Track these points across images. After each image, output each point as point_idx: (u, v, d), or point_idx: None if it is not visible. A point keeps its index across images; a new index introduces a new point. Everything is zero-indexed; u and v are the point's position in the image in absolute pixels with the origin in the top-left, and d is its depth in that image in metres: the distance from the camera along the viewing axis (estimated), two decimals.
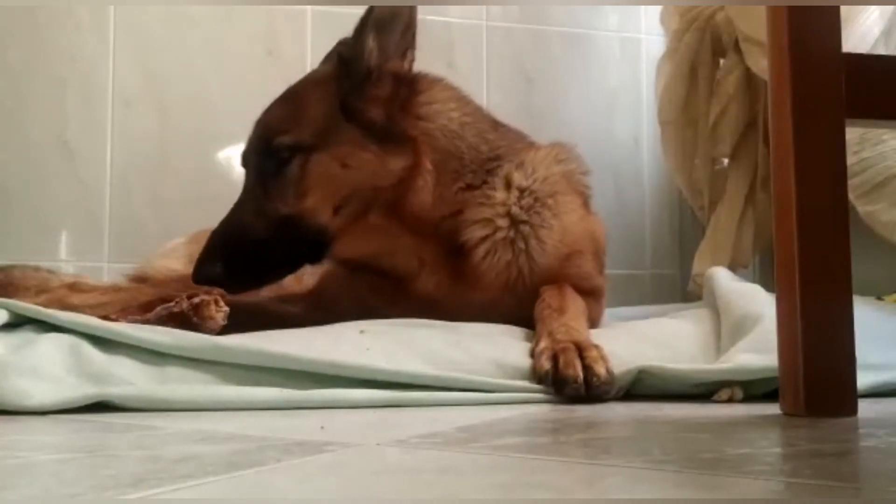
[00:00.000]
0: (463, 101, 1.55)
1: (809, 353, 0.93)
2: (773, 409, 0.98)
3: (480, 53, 2.38)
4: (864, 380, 1.00)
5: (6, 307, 1.21)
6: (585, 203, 1.58)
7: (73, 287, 1.68)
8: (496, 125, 1.57)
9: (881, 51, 1.85)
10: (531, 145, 1.59)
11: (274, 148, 1.41)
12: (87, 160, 2.15)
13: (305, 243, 1.40)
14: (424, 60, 2.32)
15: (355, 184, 1.40)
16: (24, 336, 1.16)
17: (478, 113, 1.56)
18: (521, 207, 1.47)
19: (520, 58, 2.42)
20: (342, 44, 1.54)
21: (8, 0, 2.10)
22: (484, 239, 1.45)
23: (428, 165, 1.43)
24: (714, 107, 2.15)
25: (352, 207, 1.41)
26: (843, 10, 1.02)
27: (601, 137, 2.46)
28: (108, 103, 2.17)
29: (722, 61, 2.17)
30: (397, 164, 1.41)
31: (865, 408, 0.96)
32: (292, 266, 1.43)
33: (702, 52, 2.17)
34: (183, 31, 2.22)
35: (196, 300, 1.29)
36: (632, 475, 0.63)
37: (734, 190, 2.14)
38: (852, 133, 1.70)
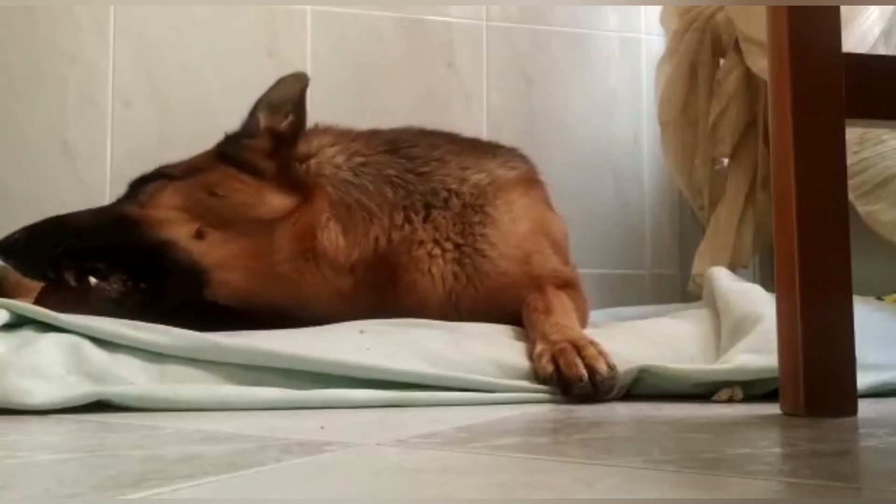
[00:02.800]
0: (345, 140, 1.51)
1: (809, 353, 0.93)
2: (773, 409, 0.98)
3: (480, 53, 2.38)
4: (864, 380, 1.00)
5: (6, 307, 1.21)
6: (527, 191, 1.55)
7: None
8: (396, 150, 1.50)
9: (881, 51, 1.85)
10: (448, 155, 1.53)
11: (145, 176, 1.45)
12: (87, 160, 2.15)
13: (148, 253, 1.36)
14: (424, 60, 2.34)
15: (227, 213, 1.38)
16: (24, 335, 1.16)
17: (370, 148, 1.50)
18: (455, 233, 1.45)
19: (520, 58, 2.42)
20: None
21: (8, 0, 2.10)
22: (416, 265, 1.43)
23: (325, 208, 1.40)
24: (714, 107, 2.14)
25: (229, 240, 1.37)
26: (843, 10, 1.02)
27: (601, 137, 2.45)
28: (108, 103, 2.17)
29: (722, 61, 2.17)
30: (281, 200, 1.39)
31: (865, 408, 0.96)
32: (133, 275, 1.35)
33: (702, 52, 2.17)
34: (183, 31, 2.22)
35: None
36: (632, 475, 0.63)
37: (734, 190, 2.14)
38: (852, 133, 1.70)
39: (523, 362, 1.20)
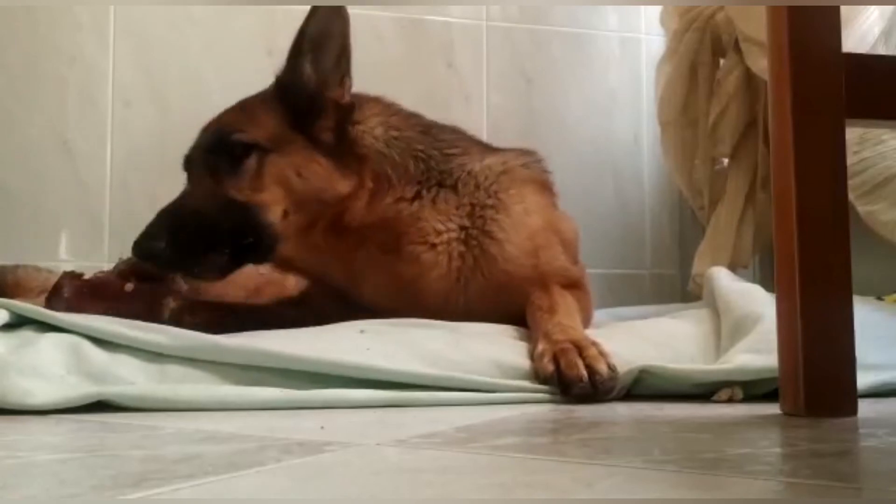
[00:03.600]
0: (389, 113, 1.55)
1: (809, 353, 0.93)
2: (773, 409, 0.98)
3: (480, 53, 2.38)
4: (864, 380, 1.00)
5: (6, 307, 1.21)
6: (541, 193, 1.57)
7: None
8: (428, 131, 1.56)
9: (881, 51, 1.85)
10: (478, 149, 1.58)
11: (231, 143, 1.44)
12: (87, 160, 2.15)
13: (253, 235, 1.41)
14: (424, 60, 2.34)
15: (306, 194, 1.43)
16: (24, 335, 1.16)
17: (407, 125, 1.55)
18: (465, 215, 1.48)
19: (520, 58, 2.42)
20: None
21: (8, 0, 2.10)
22: (423, 239, 1.46)
23: (369, 185, 1.46)
24: (714, 107, 2.14)
25: (300, 216, 1.43)
26: (843, 10, 1.02)
27: (601, 137, 2.45)
28: (108, 103, 2.17)
29: (722, 61, 2.17)
30: (344, 187, 1.44)
31: (865, 408, 0.96)
32: (235, 255, 1.42)
33: (702, 52, 2.17)
34: (183, 31, 2.22)
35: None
36: (632, 475, 0.63)
37: (734, 190, 2.14)
38: (852, 133, 1.70)
39: (523, 362, 1.20)
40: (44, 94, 2.14)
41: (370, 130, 1.50)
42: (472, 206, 1.49)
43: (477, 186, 1.51)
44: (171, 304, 1.38)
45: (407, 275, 1.45)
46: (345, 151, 1.46)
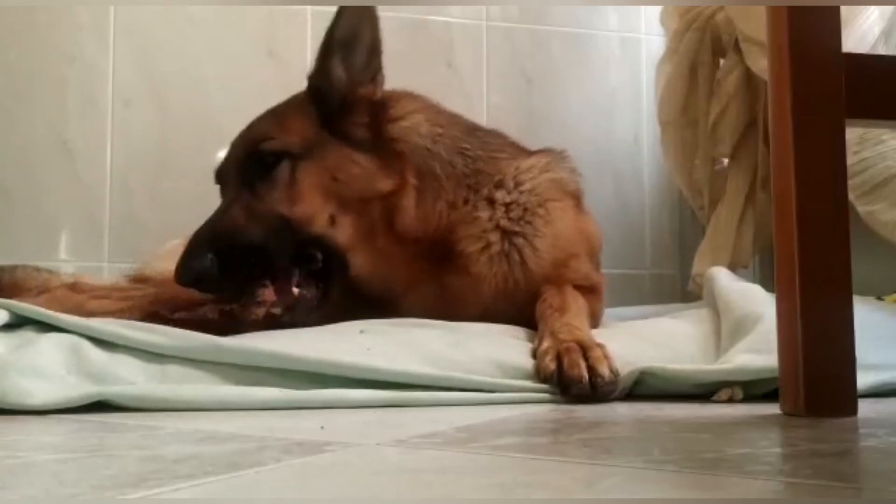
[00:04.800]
0: (432, 111, 1.53)
1: (809, 353, 0.93)
2: (773, 409, 0.98)
3: (480, 53, 2.38)
4: (864, 380, 1.00)
5: (6, 307, 1.21)
6: (578, 205, 1.57)
7: (74, 287, 1.68)
8: (472, 131, 1.54)
9: (881, 51, 1.85)
10: (517, 152, 1.57)
11: (261, 152, 1.41)
12: (87, 160, 2.15)
13: (301, 249, 1.38)
14: (424, 60, 2.33)
15: (344, 196, 1.40)
16: (24, 336, 1.16)
17: (450, 123, 1.53)
18: (511, 219, 1.46)
19: (520, 58, 2.42)
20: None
21: (8, 0, 2.10)
22: (477, 252, 1.44)
23: (413, 184, 1.43)
24: (714, 107, 2.14)
25: (350, 219, 1.40)
26: (843, 10, 1.02)
27: (601, 137, 2.46)
28: (108, 103, 2.17)
29: (722, 61, 2.17)
30: (384, 184, 1.41)
31: (865, 408, 0.96)
32: (323, 285, 1.39)
33: (702, 52, 2.17)
34: (183, 32, 2.22)
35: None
36: (632, 475, 0.63)
37: (734, 190, 2.14)
38: (852, 133, 1.70)
39: (524, 362, 1.20)
40: (44, 94, 2.14)
41: (415, 127, 1.47)
42: (524, 209, 1.47)
43: (531, 190, 1.49)
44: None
45: (455, 287, 1.43)
46: (384, 147, 1.43)
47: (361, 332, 1.25)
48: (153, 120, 2.19)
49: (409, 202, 1.42)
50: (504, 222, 1.46)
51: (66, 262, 2.12)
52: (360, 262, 1.42)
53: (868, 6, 1.80)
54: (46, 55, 2.14)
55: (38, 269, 1.82)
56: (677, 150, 2.22)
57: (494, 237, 1.45)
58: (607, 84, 2.49)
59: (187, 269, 1.33)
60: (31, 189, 2.12)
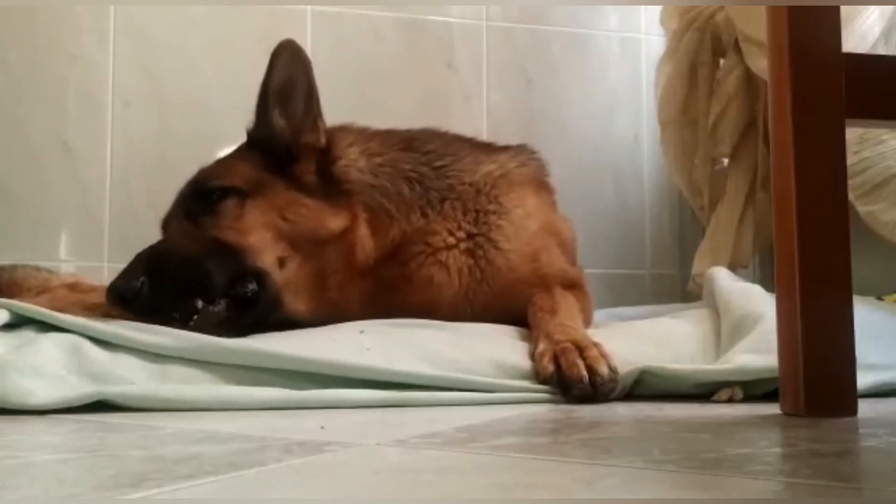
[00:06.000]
0: (363, 139, 1.52)
1: (809, 353, 0.93)
2: (773, 409, 0.98)
3: (480, 53, 2.38)
4: (864, 380, 1.00)
5: (6, 307, 1.21)
6: (539, 193, 1.56)
7: (74, 287, 1.68)
8: (409, 147, 1.52)
9: (881, 51, 1.85)
10: (462, 151, 1.55)
11: (207, 189, 1.40)
12: (87, 160, 2.15)
13: (241, 279, 1.32)
14: (424, 60, 2.34)
15: (297, 236, 1.37)
16: (24, 335, 1.16)
17: (385, 146, 1.51)
18: (468, 222, 1.46)
19: (520, 58, 2.42)
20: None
21: (8, 0, 2.10)
22: (431, 261, 1.43)
23: (363, 216, 1.42)
24: (714, 107, 2.14)
25: (301, 264, 1.37)
26: (844, 10, 1.02)
27: (601, 137, 2.45)
28: (108, 103, 2.17)
29: (722, 61, 2.17)
30: (336, 223, 1.40)
31: (865, 408, 0.96)
32: (237, 309, 1.31)
33: (702, 52, 2.17)
34: (183, 31, 2.22)
35: None
36: (632, 475, 0.63)
37: (734, 190, 2.14)
38: (852, 133, 1.69)
39: (523, 362, 1.20)
40: (44, 94, 2.14)
41: (353, 163, 1.47)
42: (477, 212, 1.47)
43: (478, 192, 1.49)
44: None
45: (418, 300, 1.42)
46: (331, 189, 1.43)
47: (361, 332, 1.25)
48: (153, 120, 2.19)
49: (363, 234, 1.42)
50: (466, 226, 1.46)
51: (66, 262, 2.12)
52: (299, 306, 1.38)
53: (868, 6, 1.80)
54: (46, 55, 2.14)
55: (38, 269, 1.82)
56: (677, 149, 2.22)
57: (452, 240, 1.45)
58: (607, 84, 2.49)
59: (114, 288, 1.28)
60: (31, 189, 2.12)
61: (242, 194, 1.39)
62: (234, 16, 2.24)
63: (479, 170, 1.52)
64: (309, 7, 2.26)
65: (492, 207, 1.48)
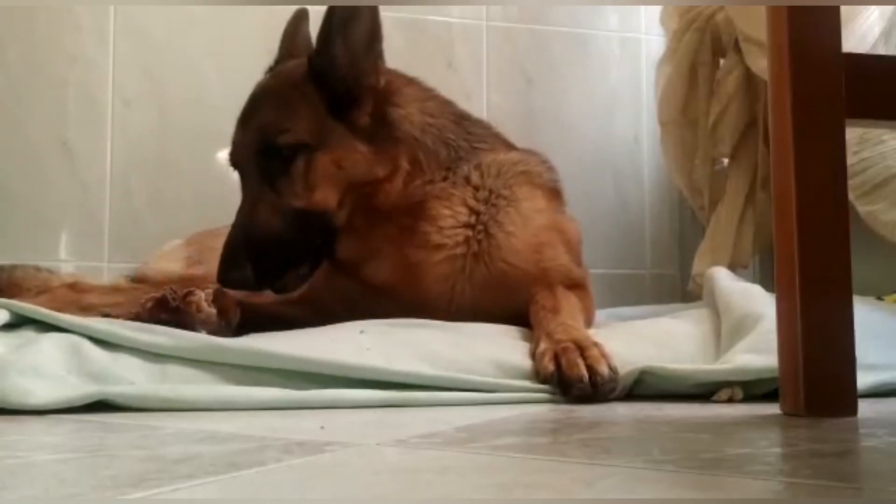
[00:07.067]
0: (426, 98, 1.57)
1: (809, 353, 0.93)
2: (773, 409, 0.98)
3: (480, 53, 2.38)
4: (864, 380, 1.00)
5: (7, 307, 1.21)
6: (551, 198, 1.59)
7: (74, 287, 1.68)
8: (460, 121, 1.58)
9: (881, 51, 1.85)
10: (499, 144, 1.60)
11: (278, 146, 1.43)
12: (87, 160, 2.15)
13: (320, 236, 1.44)
14: (424, 60, 2.33)
15: (348, 183, 1.43)
16: (24, 335, 1.16)
17: (441, 112, 1.57)
18: (477, 200, 1.50)
19: (520, 58, 2.42)
20: (286, 45, 1.64)
21: (8, 0, 2.10)
22: (439, 219, 1.47)
23: (406, 167, 1.47)
24: (714, 107, 2.14)
25: (349, 205, 1.44)
26: (844, 10, 1.02)
27: (601, 137, 2.46)
28: (108, 103, 2.17)
29: (722, 61, 2.17)
30: (382, 171, 1.45)
31: (865, 408, 0.96)
32: (312, 260, 1.44)
33: (702, 52, 2.17)
34: (183, 31, 2.22)
35: (184, 291, 1.30)
36: (632, 475, 0.63)
37: (734, 190, 2.14)
38: (852, 133, 1.70)
39: (523, 362, 1.20)
40: (44, 94, 2.14)
41: (408, 116, 1.51)
42: (490, 192, 1.51)
43: (498, 175, 1.53)
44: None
45: (414, 256, 1.46)
46: (383, 135, 1.46)
47: (361, 332, 1.25)
48: (153, 120, 2.19)
49: (397, 185, 1.46)
50: (471, 201, 1.50)
51: (66, 262, 2.12)
52: (346, 243, 1.47)
53: (868, 6, 1.80)
54: (46, 55, 2.14)
55: (38, 269, 1.82)
56: (677, 149, 2.22)
57: (461, 210, 1.49)
58: (607, 84, 2.49)
59: (228, 276, 1.39)
60: (31, 189, 2.12)
61: (310, 149, 1.43)
62: (234, 16, 2.24)
63: (506, 156, 1.57)
64: (309, 7, 2.26)
65: (505, 192, 1.52)
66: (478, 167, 1.52)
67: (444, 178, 1.50)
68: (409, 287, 1.44)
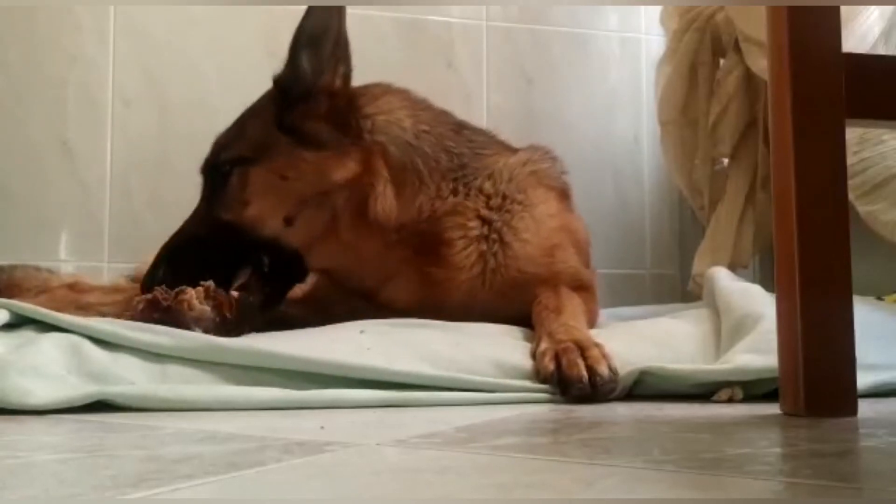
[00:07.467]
0: (417, 107, 1.55)
1: (809, 353, 0.93)
2: (773, 409, 0.98)
3: (480, 53, 2.38)
4: (864, 380, 1.00)
5: (7, 307, 1.21)
6: (562, 199, 1.59)
7: (74, 287, 1.68)
8: (459, 130, 1.56)
9: (881, 51, 1.85)
10: (502, 149, 1.59)
11: (219, 163, 1.47)
12: (87, 160, 2.15)
13: (251, 250, 1.41)
14: (424, 60, 2.33)
15: (300, 194, 1.41)
16: (24, 335, 1.16)
17: (437, 121, 1.54)
18: (491, 208, 1.49)
19: (520, 58, 2.42)
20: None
21: (8, 0, 2.10)
22: (459, 240, 1.46)
23: (384, 173, 1.43)
24: (714, 107, 2.14)
25: (309, 218, 1.42)
26: (844, 10, 1.02)
27: (601, 137, 2.46)
28: (108, 103, 2.17)
29: (722, 61, 2.17)
30: (341, 173, 1.41)
31: (865, 408, 0.96)
32: (274, 283, 1.42)
33: (702, 52, 2.17)
34: (183, 32, 2.22)
35: (175, 290, 1.30)
36: (632, 475, 0.63)
37: (734, 190, 2.14)
38: (852, 133, 1.70)
39: (524, 362, 1.20)
40: (44, 94, 2.14)
41: (396, 122, 1.49)
42: (504, 197, 1.50)
43: (510, 179, 1.52)
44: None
45: (436, 276, 1.45)
46: (341, 140, 1.43)
47: (361, 332, 1.25)
48: (153, 120, 2.19)
49: (380, 191, 1.43)
50: (484, 211, 1.48)
51: (66, 262, 2.12)
52: (322, 257, 1.45)
53: (868, 6, 1.80)
54: (46, 55, 2.14)
55: (37, 269, 1.82)
56: (677, 149, 2.22)
57: (474, 223, 1.47)
58: (607, 84, 2.49)
59: (145, 280, 1.40)
60: (31, 189, 2.12)
61: (247, 162, 1.43)
62: (234, 16, 2.24)
63: (514, 158, 1.56)
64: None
65: (519, 197, 1.51)
66: (490, 176, 1.51)
67: (454, 192, 1.48)
68: (430, 307, 1.41)
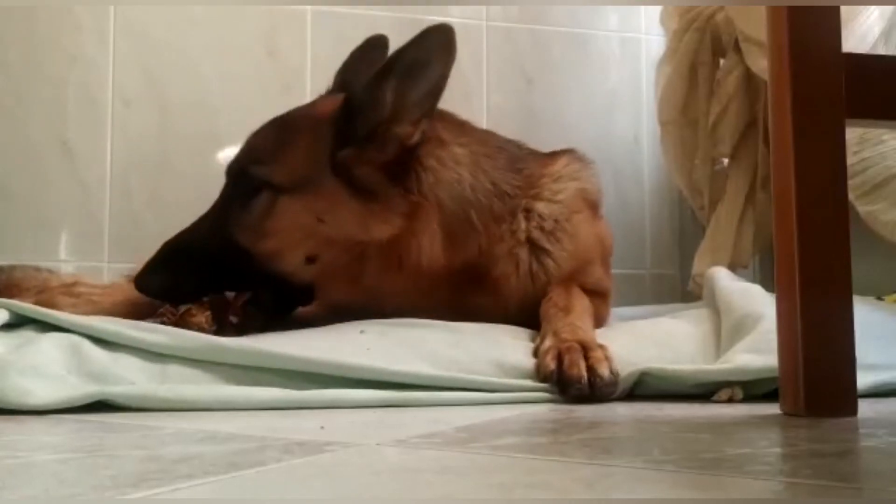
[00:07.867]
0: (478, 152, 1.42)
1: (809, 353, 0.93)
2: (773, 409, 0.98)
3: (480, 53, 2.38)
4: (864, 380, 1.00)
5: (6, 307, 1.21)
6: (596, 212, 1.57)
7: (73, 287, 1.68)
8: (503, 153, 1.46)
9: (881, 51, 1.85)
10: (536, 159, 1.53)
11: (249, 174, 1.34)
12: (87, 160, 2.15)
13: (260, 282, 1.33)
14: None
15: (330, 238, 1.31)
16: (24, 335, 1.16)
17: (492, 154, 1.44)
18: (543, 230, 1.43)
19: (520, 58, 2.42)
20: (344, 73, 1.50)
21: (8, 0, 2.10)
22: (506, 270, 1.41)
23: (433, 226, 1.33)
24: (714, 107, 2.15)
25: (333, 258, 1.33)
26: (844, 10, 1.02)
27: (601, 137, 2.45)
28: (108, 103, 2.17)
29: (722, 61, 2.17)
30: (385, 229, 1.30)
31: (865, 408, 0.96)
32: (277, 301, 1.36)
33: (702, 52, 2.17)
34: (183, 32, 2.22)
35: (182, 309, 1.29)
36: (632, 475, 0.63)
37: (734, 190, 2.14)
38: (852, 133, 1.70)
39: (524, 362, 1.20)
40: (44, 94, 2.14)
41: (458, 178, 1.36)
42: (556, 221, 1.45)
43: (560, 200, 1.46)
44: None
45: (483, 304, 1.39)
46: (395, 193, 1.31)
47: (361, 332, 1.25)
48: (153, 120, 2.19)
49: (426, 244, 1.33)
50: (536, 233, 1.43)
51: (66, 262, 2.12)
52: (337, 295, 1.37)
53: (868, 6, 1.80)
54: (46, 55, 2.14)
55: (37, 269, 1.82)
56: (677, 149, 2.22)
57: (523, 253, 1.42)
58: (607, 84, 2.49)
59: (141, 281, 1.34)
60: (31, 189, 2.12)
61: (277, 190, 1.31)
62: (234, 16, 2.24)
63: (554, 167, 1.50)
64: (309, 7, 2.26)
65: (568, 227, 1.45)
66: (536, 196, 1.44)
67: (501, 222, 1.40)
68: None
